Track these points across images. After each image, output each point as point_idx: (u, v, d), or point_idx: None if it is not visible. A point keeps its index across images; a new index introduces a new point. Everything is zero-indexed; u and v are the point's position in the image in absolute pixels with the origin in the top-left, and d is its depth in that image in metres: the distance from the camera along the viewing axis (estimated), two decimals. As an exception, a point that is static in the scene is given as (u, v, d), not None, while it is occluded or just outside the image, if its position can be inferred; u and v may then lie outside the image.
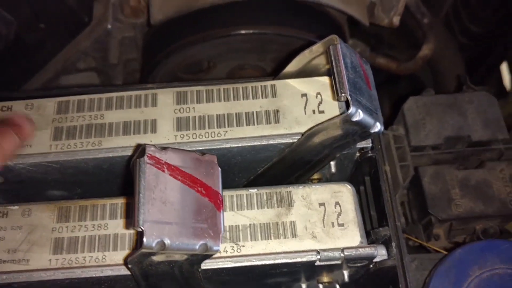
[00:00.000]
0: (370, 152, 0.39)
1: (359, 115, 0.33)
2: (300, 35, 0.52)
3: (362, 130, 0.35)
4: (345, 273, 0.39)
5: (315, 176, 0.43)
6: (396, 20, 0.56)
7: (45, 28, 0.53)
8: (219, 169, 0.34)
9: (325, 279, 0.40)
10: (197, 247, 0.30)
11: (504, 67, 0.91)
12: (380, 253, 0.36)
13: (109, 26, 0.56)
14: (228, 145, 0.37)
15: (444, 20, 0.90)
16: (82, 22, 0.54)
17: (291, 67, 0.39)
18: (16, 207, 0.37)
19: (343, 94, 0.33)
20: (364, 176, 0.42)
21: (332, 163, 0.41)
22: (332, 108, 0.38)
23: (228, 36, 0.51)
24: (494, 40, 0.86)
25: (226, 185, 0.37)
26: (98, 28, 0.56)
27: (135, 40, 0.59)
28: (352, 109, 0.33)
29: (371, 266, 0.37)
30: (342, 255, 0.35)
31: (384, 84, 0.86)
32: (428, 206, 0.43)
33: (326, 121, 0.35)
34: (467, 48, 0.89)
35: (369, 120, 0.34)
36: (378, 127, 0.35)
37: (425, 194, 0.43)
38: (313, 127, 0.36)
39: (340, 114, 0.33)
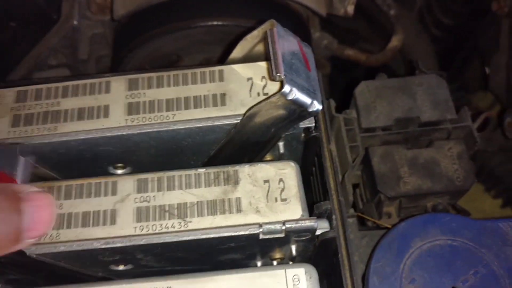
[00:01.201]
0: (314, 131, 0.41)
1: (294, 94, 0.35)
2: (257, 26, 0.54)
3: (301, 109, 0.37)
4: (293, 248, 0.40)
5: (268, 158, 0.44)
6: (350, 9, 0.58)
7: (15, 26, 0.55)
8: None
9: (277, 255, 0.42)
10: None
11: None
12: (322, 226, 0.38)
13: (75, 23, 0.58)
14: (175, 127, 0.39)
15: (418, 13, 0.92)
16: (51, 19, 0.57)
17: (236, 53, 0.41)
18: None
19: (278, 74, 0.35)
20: (314, 157, 0.44)
21: (281, 144, 0.43)
22: (276, 90, 0.40)
23: (189, 29, 0.53)
24: (466, 33, 0.88)
25: (179, 167, 0.40)
26: (66, 25, 0.58)
27: (105, 36, 0.61)
28: (285, 88, 0.34)
29: (316, 240, 0.39)
30: (283, 227, 0.36)
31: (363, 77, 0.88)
32: (377, 184, 0.44)
33: (263, 100, 0.36)
34: (441, 40, 0.91)
35: (305, 99, 0.36)
36: (315, 106, 0.37)
37: (375, 173, 0.45)
38: (252, 106, 0.37)
39: (276, 92, 0.35)
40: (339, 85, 0.87)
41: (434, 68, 0.82)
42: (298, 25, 0.59)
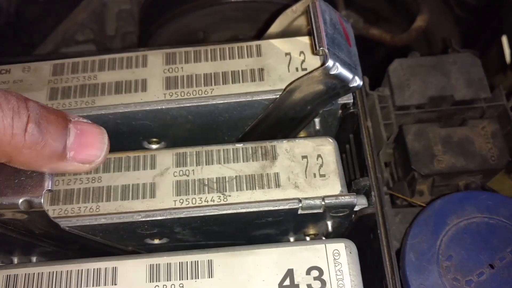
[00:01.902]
0: (351, 108, 0.41)
1: (337, 69, 0.35)
2: (290, 3, 0.54)
3: (341, 85, 0.37)
4: (329, 224, 0.40)
5: (302, 134, 0.44)
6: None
7: (43, 1, 0.55)
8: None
9: (311, 231, 0.42)
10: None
11: (504, 40, 0.91)
12: (360, 202, 0.38)
13: (103, -1, 0.58)
14: (214, 102, 0.39)
15: (441, -6, 0.91)
16: (79, -5, 0.57)
17: (274, 27, 0.41)
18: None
19: (321, 48, 0.34)
20: (349, 134, 0.44)
21: (317, 120, 0.42)
22: (314, 66, 0.40)
23: (218, 5, 0.52)
24: (490, 13, 0.87)
25: (215, 142, 0.40)
26: (94, 1, 0.58)
27: (132, 13, 0.60)
28: (329, 62, 0.34)
29: (353, 216, 0.39)
30: (322, 203, 0.36)
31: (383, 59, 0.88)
32: (411, 162, 0.44)
33: (305, 74, 0.36)
34: (464, 21, 0.90)
35: (347, 74, 0.36)
36: (357, 81, 0.37)
37: (408, 151, 0.44)
38: (293, 81, 0.37)
39: (319, 67, 0.35)
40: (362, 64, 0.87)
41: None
42: (329, 2, 0.58)
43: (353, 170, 0.43)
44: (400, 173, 0.47)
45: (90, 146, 0.33)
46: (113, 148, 0.42)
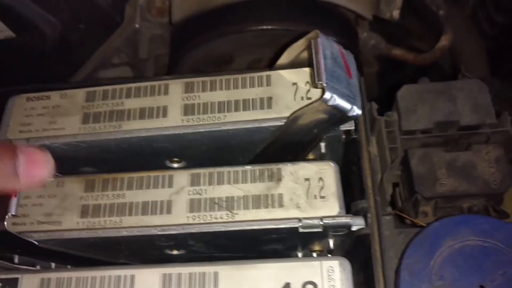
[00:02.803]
0: (354, 134, 0.44)
1: (334, 100, 0.38)
2: (307, 30, 0.57)
3: (341, 114, 0.40)
4: (331, 242, 0.43)
5: (310, 157, 0.48)
6: (395, 13, 0.60)
7: (84, 28, 0.61)
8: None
9: (317, 247, 0.45)
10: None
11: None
12: (357, 223, 0.41)
13: (137, 25, 0.63)
14: (225, 128, 0.43)
15: (471, 10, 0.91)
16: (115, 22, 0.62)
17: (283, 59, 0.44)
18: (52, 179, 0.44)
19: (319, 82, 0.38)
20: (354, 157, 0.47)
21: (322, 144, 0.46)
22: (318, 96, 0.43)
23: (240, 32, 0.56)
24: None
25: (229, 164, 0.44)
26: (128, 27, 0.63)
27: (163, 37, 0.66)
28: (327, 95, 0.38)
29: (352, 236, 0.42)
30: (321, 223, 0.40)
31: (414, 74, 0.89)
32: (415, 184, 0.46)
33: (307, 105, 0.40)
34: (493, 38, 0.90)
35: (345, 104, 0.39)
36: (355, 111, 0.40)
37: (413, 174, 0.47)
38: (297, 110, 0.41)
39: (318, 99, 0.38)
40: (389, 81, 0.88)
41: (483, 68, 0.82)
42: (345, 27, 0.61)
43: (357, 192, 0.46)
44: (406, 194, 0.49)
45: (36, 167, 0.38)
46: (137, 167, 0.47)
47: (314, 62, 0.39)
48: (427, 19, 0.85)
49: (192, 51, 0.59)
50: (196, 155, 0.47)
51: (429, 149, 0.48)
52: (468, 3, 0.91)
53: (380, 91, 0.87)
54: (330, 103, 0.38)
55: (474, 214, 0.46)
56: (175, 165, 0.48)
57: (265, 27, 0.56)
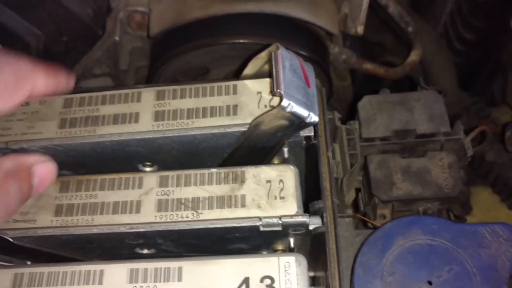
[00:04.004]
0: (313, 139, 0.47)
1: (291, 107, 0.41)
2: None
3: (299, 121, 0.43)
4: (291, 241, 0.46)
5: (275, 161, 0.50)
6: (359, 29, 0.63)
7: (67, 40, 0.64)
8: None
9: (280, 247, 0.48)
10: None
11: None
12: (314, 222, 0.43)
13: (117, 38, 0.66)
14: (192, 133, 0.46)
15: (443, 28, 0.95)
16: (96, 35, 0.65)
17: (248, 70, 0.47)
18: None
19: (278, 90, 0.41)
20: (314, 161, 0.50)
21: (285, 149, 0.49)
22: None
23: (214, 45, 0.60)
24: (488, 47, 0.91)
25: (198, 167, 0.46)
26: (109, 40, 0.66)
27: (143, 49, 0.69)
28: (284, 102, 0.41)
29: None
30: (279, 221, 0.42)
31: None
32: (372, 188, 0.49)
33: (266, 112, 0.43)
34: (464, 54, 0.94)
35: (303, 111, 0.42)
36: (312, 118, 0.43)
37: (371, 179, 0.50)
38: (257, 117, 0.44)
39: (276, 106, 0.41)
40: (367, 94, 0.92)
41: (452, 82, 0.86)
42: (314, 42, 0.64)
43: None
44: (366, 198, 0.52)
45: (48, 180, 0.41)
46: (111, 170, 0.49)
47: (273, 72, 0.42)
48: (400, 36, 0.89)
49: (169, 63, 0.62)
50: (167, 160, 0.50)
51: (386, 155, 0.51)
52: (440, 22, 0.95)
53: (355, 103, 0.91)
54: (288, 110, 0.41)
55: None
56: (148, 169, 0.51)
57: (237, 40, 0.59)
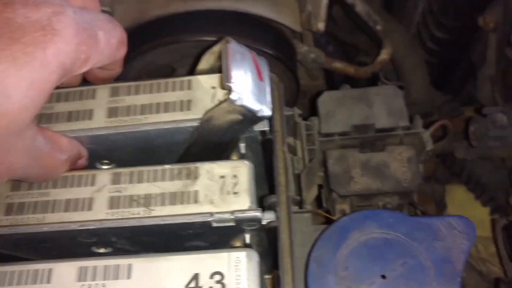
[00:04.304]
0: (269, 134, 0.46)
1: (241, 101, 0.41)
2: (239, 41, 0.60)
3: (251, 114, 0.43)
4: (247, 237, 0.46)
5: (234, 157, 0.50)
6: (321, 26, 0.63)
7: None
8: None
9: (237, 243, 0.47)
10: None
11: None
12: (267, 216, 0.43)
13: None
14: (145, 128, 0.45)
15: (416, 28, 0.96)
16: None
17: (202, 65, 0.47)
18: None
19: (227, 84, 0.41)
20: (269, 156, 0.49)
21: (242, 145, 0.48)
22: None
23: (177, 43, 0.59)
24: (460, 46, 0.91)
25: (156, 164, 0.46)
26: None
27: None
28: (233, 95, 0.40)
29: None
30: (232, 216, 0.42)
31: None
32: (330, 183, 0.49)
33: (216, 105, 0.42)
34: (437, 54, 0.94)
35: (254, 105, 0.42)
36: (264, 111, 0.43)
37: (329, 174, 0.49)
38: (208, 111, 0.43)
39: (226, 100, 0.41)
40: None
41: (424, 80, 0.86)
42: (279, 40, 0.64)
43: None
44: (326, 194, 0.52)
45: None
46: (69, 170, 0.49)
47: (223, 66, 0.42)
48: (371, 36, 0.89)
49: (132, 63, 0.62)
50: (124, 157, 0.49)
51: (346, 150, 0.51)
52: (413, 21, 0.95)
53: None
54: (238, 103, 0.41)
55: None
56: (105, 167, 0.50)
57: (198, 38, 0.59)
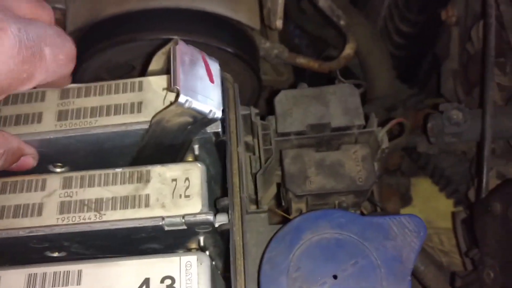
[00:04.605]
0: (222, 136, 0.46)
1: (190, 103, 0.40)
2: (198, 39, 0.59)
3: (201, 117, 0.42)
4: (201, 239, 0.45)
5: (189, 159, 0.50)
6: (278, 23, 0.63)
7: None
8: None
9: (193, 246, 0.47)
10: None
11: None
12: (220, 219, 0.43)
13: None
14: (95, 132, 0.44)
15: (383, 22, 0.96)
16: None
17: (153, 66, 0.46)
18: None
19: (175, 86, 0.40)
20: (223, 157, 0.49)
21: (196, 146, 0.48)
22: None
23: (133, 41, 0.58)
24: (425, 40, 0.92)
25: (110, 167, 0.45)
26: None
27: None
28: (181, 98, 0.40)
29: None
30: (182, 220, 0.42)
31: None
32: (286, 182, 0.49)
33: (164, 108, 0.42)
34: (403, 47, 0.95)
35: (204, 107, 0.41)
36: (215, 114, 0.42)
37: (285, 173, 0.49)
38: (156, 114, 0.43)
39: (174, 102, 0.40)
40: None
41: (389, 74, 0.86)
42: (238, 37, 0.64)
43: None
44: (284, 193, 0.52)
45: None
46: (21, 173, 0.48)
47: (171, 68, 0.41)
48: (339, 30, 0.89)
49: (89, 61, 0.61)
50: (77, 160, 0.48)
51: (302, 149, 0.50)
52: (380, 15, 0.95)
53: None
54: (186, 106, 0.40)
55: (343, 210, 0.49)
56: (58, 170, 0.49)
57: (155, 36, 0.58)
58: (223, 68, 0.46)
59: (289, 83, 0.84)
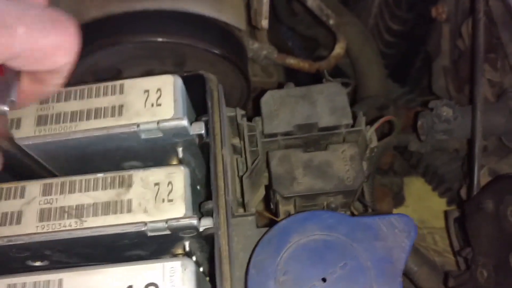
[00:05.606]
0: (206, 138, 0.45)
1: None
2: (184, 42, 0.58)
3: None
4: (186, 244, 0.44)
5: (174, 162, 0.49)
6: (264, 23, 0.62)
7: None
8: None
9: (179, 251, 0.46)
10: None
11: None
12: (205, 223, 0.42)
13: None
14: (75, 136, 0.43)
15: (374, 21, 0.95)
16: None
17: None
18: None
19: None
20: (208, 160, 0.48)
21: (179, 149, 0.47)
22: (168, 101, 0.44)
23: (118, 45, 0.57)
24: (416, 38, 0.91)
25: (94, 172, 0.44)
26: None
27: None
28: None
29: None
30: (166, 225, 0.40)
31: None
32: (273, 184, 0.48)
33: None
34: (394, 45, 0.94)
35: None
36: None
37: (272, 175, 0.48)
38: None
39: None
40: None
41: (380, 73, 0.85)
42: (225, 38, 0.62)
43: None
44: (272, 195, 0.51)
45: None
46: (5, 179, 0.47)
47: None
48: (329, 30, 0.88)
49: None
50: (59, 166, 0.47)
51: (289, 150, 0.49)
52: (371, 14, 0.95)
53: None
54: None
55: (332, 211, 0.48)
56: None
57: (141, 39, 0.57)
58: (210, 69, 0.46)
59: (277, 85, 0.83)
